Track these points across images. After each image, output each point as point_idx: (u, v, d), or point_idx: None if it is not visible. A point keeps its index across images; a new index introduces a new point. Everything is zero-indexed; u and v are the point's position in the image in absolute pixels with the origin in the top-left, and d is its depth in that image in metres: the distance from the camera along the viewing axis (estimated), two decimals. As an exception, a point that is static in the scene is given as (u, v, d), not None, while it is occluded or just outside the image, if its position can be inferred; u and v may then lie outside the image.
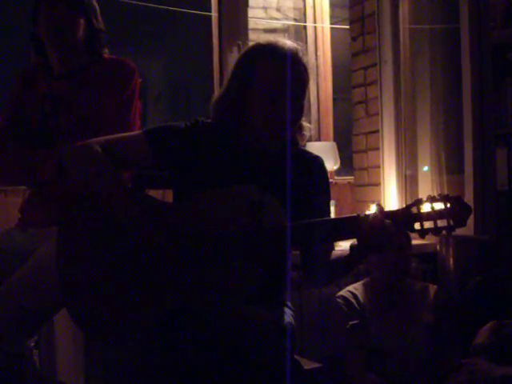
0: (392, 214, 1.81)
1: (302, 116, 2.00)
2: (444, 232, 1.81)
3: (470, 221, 3.07)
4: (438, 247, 3.45)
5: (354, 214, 1.82)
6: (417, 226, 1.80)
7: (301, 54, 1.95)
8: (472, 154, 3.17)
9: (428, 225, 1.80)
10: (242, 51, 2.02)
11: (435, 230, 1.79)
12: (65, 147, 2.06)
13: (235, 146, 2.00)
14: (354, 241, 1.85)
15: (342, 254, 1.92)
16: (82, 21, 2.27)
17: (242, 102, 1.96)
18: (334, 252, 2.01)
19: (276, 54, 1.93)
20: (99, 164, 1.91)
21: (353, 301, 2.81)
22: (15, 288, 2.07)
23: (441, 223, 1.79)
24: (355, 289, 2.87)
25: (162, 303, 1.83)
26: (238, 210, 1.84)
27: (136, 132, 2.07)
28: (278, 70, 1.91)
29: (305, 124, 2.05)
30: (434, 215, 1.79)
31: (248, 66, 1.95)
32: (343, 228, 1.82)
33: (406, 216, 1.80)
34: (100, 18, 2.34)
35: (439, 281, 3.32)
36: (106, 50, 2.36)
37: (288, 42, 1.96)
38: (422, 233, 1.81)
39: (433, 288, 2.91)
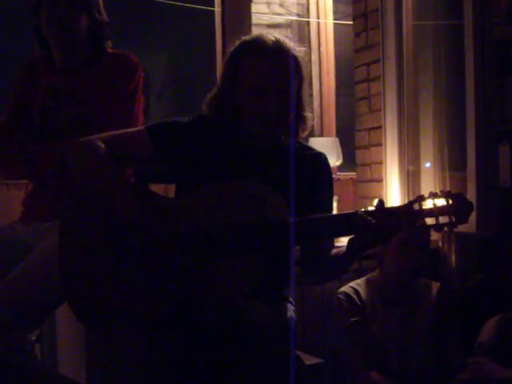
0: (394, 210, 1.81)
1: (300, 107, 1.99)
2: (446, 228, 1.81)
3: (472, 217, 3.08)
4: (440, 244, 3.45)
5: (352, 211, 1.82)
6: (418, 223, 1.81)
7: (286, 46, 1.94)
8: (475, 150, 3.16)
9: (430, 221, 1.80)
10: (230, 49, 2.02)
11: (437, 227, 1.80)
12: (67, 143, 2.06)
13: (237, 143, 2.00)
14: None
15: (340, 250, 1.92)
16: (83, 16, 2.26)
17: (232, 100, 1.96)
18: (333, 249, 2.01)
19: (257, 48, 1.93)
20: (102, 160, 1.91)
21: (354, 297, 2.80)
22: (18, 281, 2.07)
23: (442, 220, 1.80)
24: (357, 285, 2.86)
25: (163, 298, 1.83)
26: (240, 204, 1.84)
27: (138, 128, 2.08)
28: (259, 64, 1.92)
29: (307, 115, 2.04)
30: (435, 211, 1.79)
31: (234, 64, 1.97)
32: (343, 225, 1.82)
33: (408, 212, 1.80)
34: (103, 11, 2.33)
35: (441, 277, 3.31)
36: (109, 43, 2.36)
37: (273, 35, 1.96)
38: (424, 229, 1.81)
39: (436, 285, 2.90)
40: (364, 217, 1.77)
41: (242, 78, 1.94)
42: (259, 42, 1.94)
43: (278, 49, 1.93)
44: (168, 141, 1.99)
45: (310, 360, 2.45)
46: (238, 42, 2.00)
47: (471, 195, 3.13)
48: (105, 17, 2.33)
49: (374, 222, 1.75)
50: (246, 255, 1.80)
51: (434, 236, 3.43)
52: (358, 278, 2.94)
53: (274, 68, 1.91)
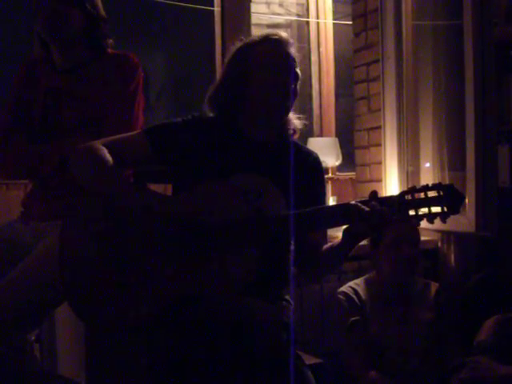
0: (387, 200, 1.83)
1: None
2: (438, 219, 1.83)
3: (472, 217, 3.10)
4: (439, 244, 3.45)
5: (346, 202, 1.85)
6: (411, 212, 1.83)
7: (291, 41, 2.03)
8: (474, 150, 3.16)
9: (422, 211, 1.82)
10: (234, 48, 2.06)
11: (429, 216, 1.82)
12: (68, 143, 2.07)
13: (234, 139, 2.02)
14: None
15: (335, 242, 1.93)
16: (76, 12, 2.23)
17: (240, 93, 2.00)
18: (327, 244, 2.02)
19: (269, 38, 2.01)
20: (105, 164, 1.92)
21: (354, 297, 2.81)
22: (17, 281, 2.08)
23: (434, 210, 1.82)
24: (356, 284, 2.87)
25: (162, 295, 1.83)
26: (236, 198, 1.86)
27: (137, 131, 2.11)
28: (275, 54, 1.99)
29: (295, 116, 2.09)
30: (427, 202, 1.81)
31: (243, 58, 2.01)
32: (337, 214, 1.84)
33: (401, 202, 1.82)
34: (100, 6, 2.30)
35: (440, 278, 3.32)
36: (111, 41, 2.34)
37: (279, 32, 2.05)
38: (416, 219, 1.83)
39: (434, 286, 2.91)
40: (357, 205, 1.79)
41: (254, 68, 1.98)
42: (269, 34, 2.03)
43: (288, 41, 2.02)
44: (166, 142, 2.02)
45: (309, 360, 2.45)
46: (241, 42, 2.05)
47: (470, 195, 3.13)
48: (102, 12, 2.30)
49: (367, 209, 1.77)
50: (244, 249, 1.81)
51: (433, 236, 3.43)
52: (358, 278, 2.94)
53: (287, 57, 1.99)
